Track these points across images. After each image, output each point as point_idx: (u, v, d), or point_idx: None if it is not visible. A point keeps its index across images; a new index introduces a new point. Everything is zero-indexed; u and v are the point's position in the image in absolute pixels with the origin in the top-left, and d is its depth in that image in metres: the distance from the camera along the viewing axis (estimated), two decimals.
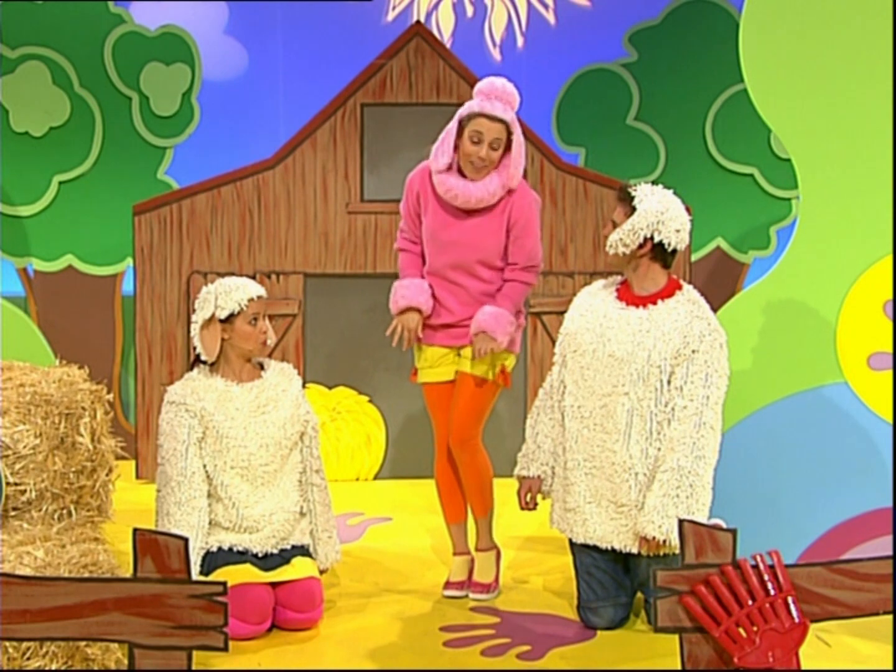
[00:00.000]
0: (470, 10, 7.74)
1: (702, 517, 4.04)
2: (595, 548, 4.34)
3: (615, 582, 4.37)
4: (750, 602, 3.15)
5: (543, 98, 7.58)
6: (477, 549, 4.78)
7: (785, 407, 4.68)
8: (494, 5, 7.74)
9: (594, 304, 4.38)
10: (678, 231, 4.21)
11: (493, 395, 4.67)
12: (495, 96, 4.48)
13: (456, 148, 4.51)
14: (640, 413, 4.19)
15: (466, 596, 4.70)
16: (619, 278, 4.40)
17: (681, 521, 3.22)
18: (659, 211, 4.18)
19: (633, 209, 4.20)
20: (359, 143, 6.61)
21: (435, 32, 7.40)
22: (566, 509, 4.37)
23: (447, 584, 4.75)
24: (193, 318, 4.41)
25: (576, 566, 4.44)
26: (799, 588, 3.19)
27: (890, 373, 4.59)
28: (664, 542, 4.10)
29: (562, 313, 6.59)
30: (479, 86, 4.54)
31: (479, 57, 7.49)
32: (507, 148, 4.50)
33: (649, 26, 7.63)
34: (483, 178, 4.49)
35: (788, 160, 4.76)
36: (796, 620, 3.16)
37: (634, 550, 4.24)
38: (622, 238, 4.20)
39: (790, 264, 4.68)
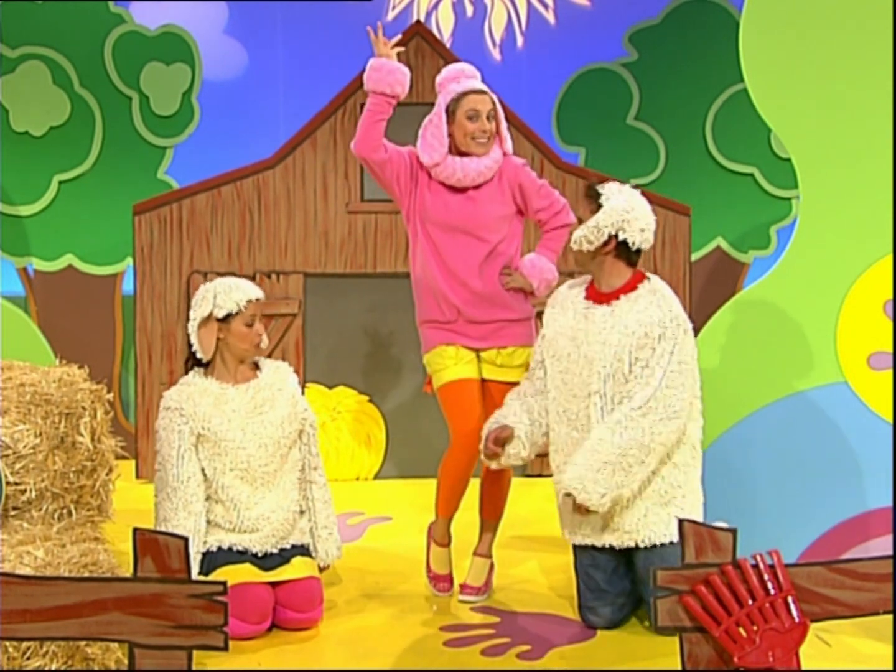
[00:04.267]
0: (470, 10, 7.74)
1: (606, 482, 4.07)
2: (594, 548, 4.34)
3: (614, 582, 4.37)
4: (750, 602, 3.16)
5: (543, 98, 7.59)
6: (476, 554, 4.76)
7: (785, 407, 4.68)
8: (494, 5, 7.74)
9: (565, 305, 4.38)
10: (643, 231, 4.23)
11: None
12: (467, 75, 4.61)
13: (449, 135, 4.56)
14: (611, 408, 4.18)
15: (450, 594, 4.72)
16: (588, 277, 4.41)
17: (681, 521, 3.23)
18: (624, 209, 4.21)
19: (599, 206, 4.23)
20: None
21: (435, 32, 7.41)
22: (564, 513, 4.38)
23: (436, 577, 4.73)
24: (191, 315, 4.41)
25: (576, 566, 4.44)
26: (799, 588, 3.19)
27: (890, 372, 4.59)
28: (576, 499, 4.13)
29: None
30: (445, 75, 4.63)
31: (479, 57, 7.49)
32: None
33: (649, 26, 7.63)
34: (483, 153, 4.54)
35: (788, 160, 4.76)
36: (796, 620, 3.16)
37: (631, 544, 4.24)
38: (586, 235, 4.22)
39: (790, 264, 4.68)
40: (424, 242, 4.62)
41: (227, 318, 4.37)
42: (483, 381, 4.64)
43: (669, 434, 4.13)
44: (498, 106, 4.58)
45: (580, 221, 4.28)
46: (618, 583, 4.37)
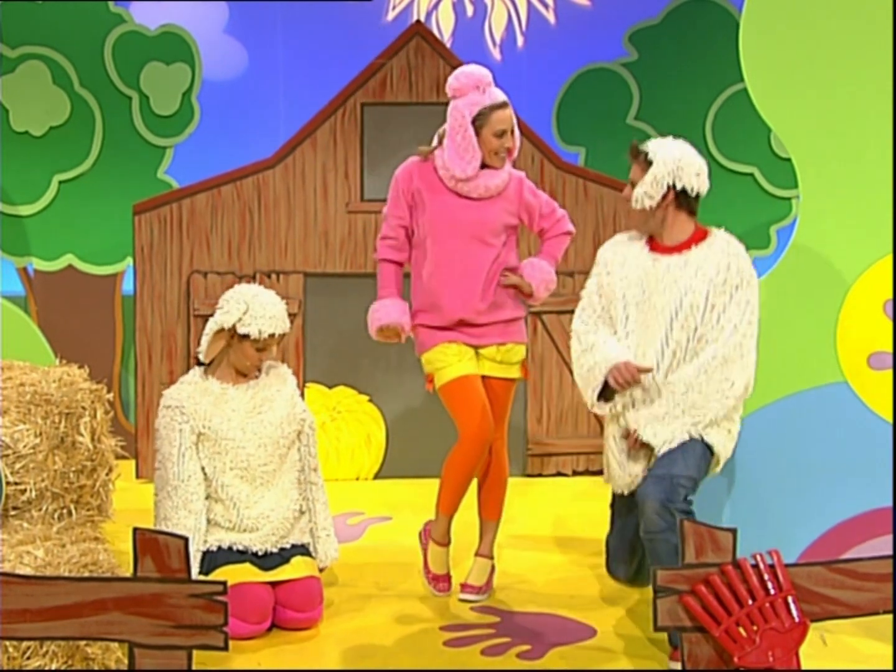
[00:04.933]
0: (470, 10, 7.74)
1: (678, 425, 4.11)
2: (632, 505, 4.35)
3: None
4: (750, 601, 3.16)
5: (543, 97, 7.58)
6: (478, 554, 4.76)
7: (785, 406, 4.68)
8: (494, 5, 7.74)
9: (627, 256, 4.35)
10: (698, 175, 4.29)
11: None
12: (487, 83, 4.59)
13: None
14: (672, 348, 4.22)
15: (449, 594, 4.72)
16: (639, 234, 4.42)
17: (681, 521, 3.23)
18: (676, 158, 4.25)
19: (650, 163, 4.25)
20: (359, 142, 6.61)
21: (435, 32, 7.40)
22: (614, 461, 4.39)
23: (435, 577, 4.73)
24: (215, 317, 4.39)
25: (612, 516, 4.46)
26: (799, 587, 3.19)
27: (889, 372, 4.58)
28: (639, 439, 4.18)
29: (561, 313, 6.65)
30: (465, 81, 4.57)
31: (479, 57, 7.46)
32: None
33: (649, 26, 7.62)
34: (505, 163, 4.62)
35: (788, 159, 4.75)
36: (796, 620, 3.16)
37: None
38: (646, 191, 4.24)
39: (790, 264, 4.68)
40: (433, 250, 4.61)
41: (243, 336, 4.36)
42: (483, 377, 4.65)
43: (746, 384, 4.22)
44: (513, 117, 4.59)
45: (632, 184, 4.29)
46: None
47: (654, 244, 4.32)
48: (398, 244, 4.68)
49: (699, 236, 4.30)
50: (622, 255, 4.36)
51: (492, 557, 4.78)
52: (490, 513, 4.77)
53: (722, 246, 4.27)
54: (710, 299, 4.20)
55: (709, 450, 4.18)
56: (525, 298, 4.72)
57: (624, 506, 4.38)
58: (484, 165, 4.57)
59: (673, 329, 4.21)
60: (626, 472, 4.28)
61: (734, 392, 4.18)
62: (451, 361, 4.61)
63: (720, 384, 4.15)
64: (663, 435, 4.15)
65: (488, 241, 4.59)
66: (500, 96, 4.57)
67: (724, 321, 4.18)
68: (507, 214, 4.63)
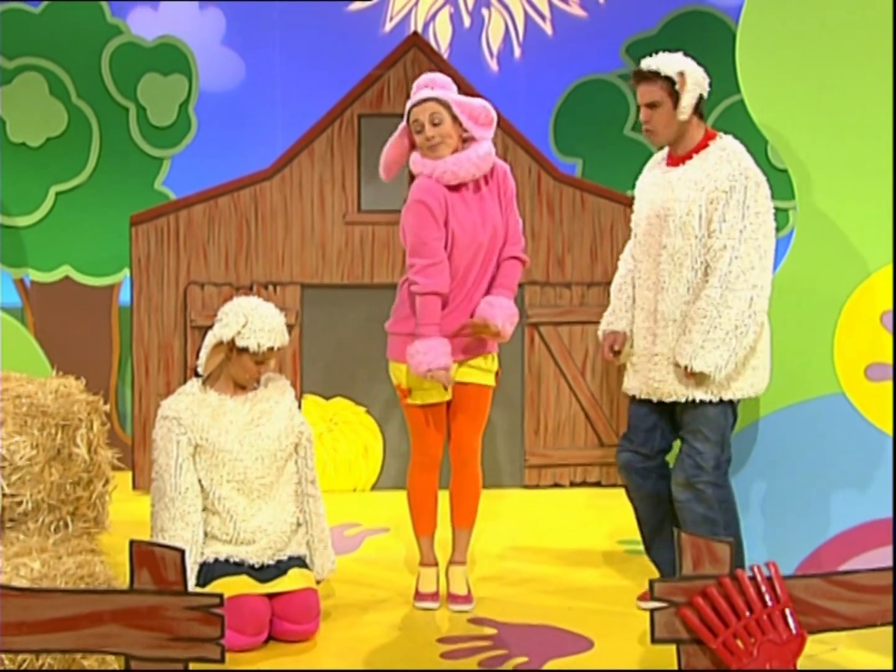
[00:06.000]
0: (467, 21, 7.75)
1: (726, 348, 4.21)
2: (640, 401, 4.54)
3: (647, 436, 4.55)
4: (747, 614, 3.16)
5: (541, 109, 7.59)
6: (454, 562, 4.75)
7: (782, 418, 4.68)
8: (492, 16, 7.75)
9: (649, 174, 4.56)
10: (704, 78, 4.42)
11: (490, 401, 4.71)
12: (419, 86, 4.56)
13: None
14: (679, 262, 4.32)
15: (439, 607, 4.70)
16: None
17: (678, 533, 3.23)
18: (693, 67, 4.38)
19: (666, 78, 4.33)
20: (356, 153, 6.61)
21: (432, 43, 7.40)
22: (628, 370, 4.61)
23: (421, 596, 4.71)
24: (215, 329, 4.37)
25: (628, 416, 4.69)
26: (796, 600, 3.19)
27: (887, 383, 4.58)
28: (692, 371, 4.26)
29: (559, 324, 6.66)
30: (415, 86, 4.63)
31: (476, 68, 7.51)
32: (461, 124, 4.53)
33: (646, 37, 7.63)
34: (447, 153, 4.48)
35: (785, 171, 4.76)
36: (794, 632, 3.16)
37: (665, 399, 4.42)
38: (690, 102, 4.33)
39: (787, 275, 4.68)
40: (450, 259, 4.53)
41: (242, 349, 4.36)
42: (464, 384, 4.60)
43: (766, 284, 4.27)
44: (452, 105, 4.46)
45: (652, 105, 4.36)
46: (653, 436, 4.56)
47: (670, 157, 4.47)
48: (443, 268, 4.46)
49: (703, 143, 4.40)
50: (645, 175, 4.59)
51: (465, 563, 4.75)
52: (461, 521, 4.74)
53: (717, 153, 4.37)
54: (705, 206, 4.29)
55: (729, 403, 4.35)
56: (492, 339, 4.57)
57: (635, 404, 4.56)
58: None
59: (674, 239, 4.31)
60: (648, 379, 4.44)
61: (763, 293, 4.26)
62: (423, 385, 4.52)
63: (749, 292, 4.23)
64: (713, 360, 4.24)
65: (491, 243, 4.53)
66: (418, 95, 4.52)
67: (727, 228, 4.24)
68: (497, 208, 4.56)
